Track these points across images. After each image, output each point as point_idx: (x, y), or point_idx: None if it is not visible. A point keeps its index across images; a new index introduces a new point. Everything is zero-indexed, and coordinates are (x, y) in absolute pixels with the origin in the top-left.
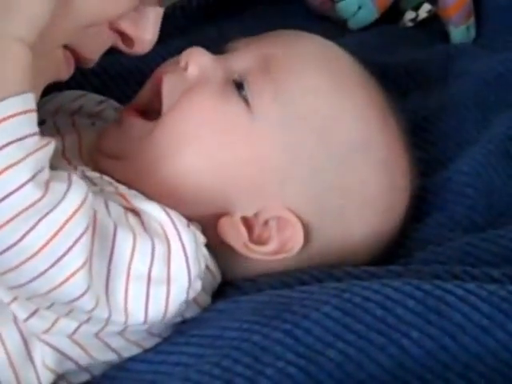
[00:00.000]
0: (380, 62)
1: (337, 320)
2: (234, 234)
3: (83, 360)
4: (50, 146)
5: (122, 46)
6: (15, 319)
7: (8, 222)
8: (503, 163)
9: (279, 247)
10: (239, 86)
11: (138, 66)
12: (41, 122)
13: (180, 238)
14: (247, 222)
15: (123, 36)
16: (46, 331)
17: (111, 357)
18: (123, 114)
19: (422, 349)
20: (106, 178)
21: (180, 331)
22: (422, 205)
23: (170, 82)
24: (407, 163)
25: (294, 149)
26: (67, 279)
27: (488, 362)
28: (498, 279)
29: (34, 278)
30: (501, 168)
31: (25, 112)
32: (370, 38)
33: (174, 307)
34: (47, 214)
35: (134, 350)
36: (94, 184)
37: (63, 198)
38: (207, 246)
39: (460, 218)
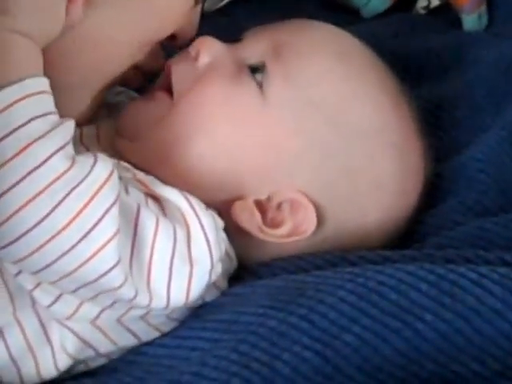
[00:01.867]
0: (393, 50)
1: (352, 304)
2: (248, 218)
3: (103, 346)
4: (72, 123)
5: (166, 42)
6: (33, 304)
7: (34, 197)
8: None
9: (293, 230)
10: (254, 70)
11: None
12: None
13: (200, 222)
14: (261, 206)
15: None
16: (70, 317)
17: (131, 341)
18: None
19: (436, 332)
20: (124, 163)
21: (196, 315)
22: (435, 191)
23: (179, 71)
24: (420, 148)
25: (306, 133)
26: (96, 253)
27: (502, 344)
28: (510, 262)
29: (61, 256)
30: None
31: (41, 92)
32: (383, 27)
33: (196, 290)
34: (75, 187)
35: (154, 334)
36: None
37: (91, 170)
38: (224, 230)
39: (472, 204)
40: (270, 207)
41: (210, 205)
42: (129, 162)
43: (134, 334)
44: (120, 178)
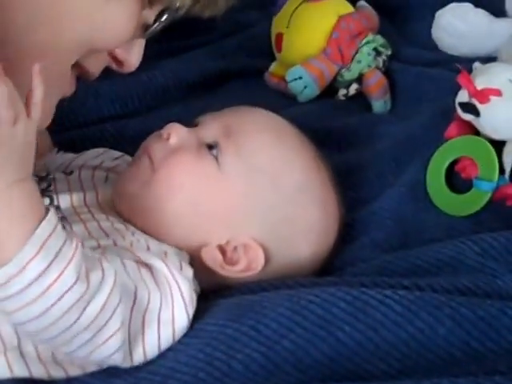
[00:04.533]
0: (320, 127)
1: (289, 318)
2: (212, 259)
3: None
4: (79, 246)
5: (114, 67)
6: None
7: (65, 312)
8: (412, 201)
9: (246, 266)
10: (210, 147)
11: (143, 128)
12: (69, 173)
13: (179, 287)
14: (221, 248)
15: (115, 59)
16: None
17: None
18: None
19: (352, 340)
20: (117, 225)
21: None
22: (352, 232)
23: (157, 148)
24: (337, 199)
25: (253, 192)
26: (107, 340)
27: (402, 349)
28: (408, 287)
29: (82, 345)
30: (411, 204)
31: (55, 229)
32: (314, 109)
33: (168, 343)
34: (91, 300)
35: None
36: (107, 235)
37: (100, 286)
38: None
39: (380, 242)
40: (228, 249)
41: (183, 249)
42: (125, 219)
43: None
44: (114, 244)
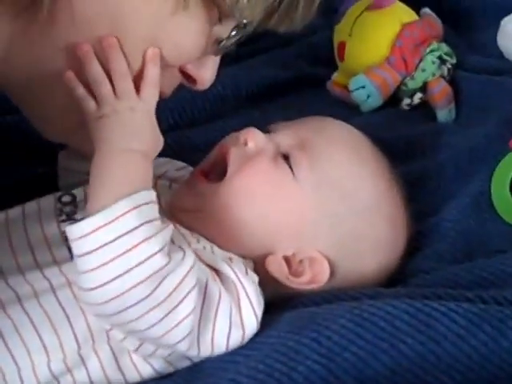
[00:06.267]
0: (384, 137)
1: (350, 329)
2: (278, 269)
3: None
4: (171, 227)
5: (187, 84)
6: (108, 340)
7: (142, 281)
8: (476, 212)
9: (311, 279)
10: (285, 157)
11: (203, 139)
12: None
13: (245, 291)
14: (287, 260)
15: (188, 77)
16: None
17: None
18: (191, 176)
19: (414, 352)
20: (183, 230)
21: None
22: (416, 244)
23: (234, 153)
24: (406, 214)
25: (324, 206)
26: (178, 324)
27: (464, 362)
28: (472, 299)
29: (153, 325)
30: (475, 215)
31: (151, 202)
32: (377, 119)
33: (243, 341)
34: (169, 275)
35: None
36: (172, 242)
37: (180, 263)
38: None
39: (443, 253)
40: (294, 261)
41: (248, 257)
42: (186, 227)
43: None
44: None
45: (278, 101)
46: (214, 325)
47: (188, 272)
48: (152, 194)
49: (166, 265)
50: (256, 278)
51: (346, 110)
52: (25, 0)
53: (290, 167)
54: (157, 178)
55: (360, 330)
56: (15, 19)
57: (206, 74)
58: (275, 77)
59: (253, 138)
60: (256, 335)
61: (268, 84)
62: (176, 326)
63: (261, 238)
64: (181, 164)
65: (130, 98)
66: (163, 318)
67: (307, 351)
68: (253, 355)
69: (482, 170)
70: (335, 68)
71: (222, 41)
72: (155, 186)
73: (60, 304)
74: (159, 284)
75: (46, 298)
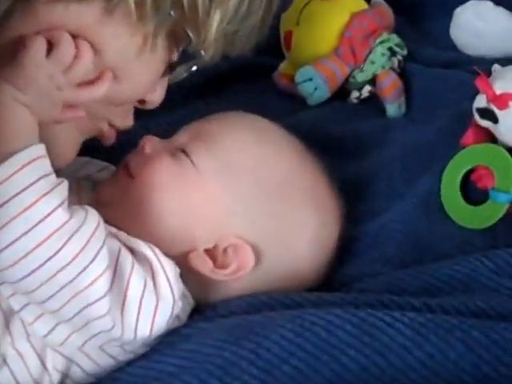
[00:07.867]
0: (331, 132)
1: (290, 340)
2: (202, 264)
3: (87, 366)
4: (66, 182)
5: (137, 105)
6: (28, 337)
7: (45, 240)
8: (425, 213)
9: (238, 267)
10: (184, 152)
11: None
12: None
13: (162, 267)
14: (210, 253)
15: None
16: (61, 344)
17: (111, 362)
18: (117, 169)
19: (357, 364)
20: (109, 228)
21: (167, 342)
22: (360, 245)
23: (134, 160)
24: (332, 191)
25: (232, 189)
26: (91, 284)
27: (409, 375)
28: (418, 308)
29: (64, 286)
30: (423, 217)
31: (43, 156)
32: (325, 112)
33: (160, 323)
34: (74, 233)
35: (129, 357)
36: None
37: (84, 220)
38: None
39: (390, 256)
40: (218, 253)
41: (168, 256)
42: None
43: (113, 357)
44: None
45: (221, 93)
46: (127, 288)
47: (93, 232)
48: (42, 148)
49: (68, 221)
50: (178, 270)
51: (292, 103)
52: None
53: (190, 159)
54: (79, 178)
55: (301, 340)
56: None
57: (156, 95)
58: (217, 67)
59: (149, 142)
60: (189, 342)
61: (209, 75)
62: (90, 285)
63: (178, 235)
64: (102, 164)
65: (60, 68)
66: (77, 276)
67: (244, 364)
68: (187, 367)
69: (432, 168)
70: (283, 58)
71: (175, 65)
72: (77, 185)
73: None
74: (65, 243)
75: None
